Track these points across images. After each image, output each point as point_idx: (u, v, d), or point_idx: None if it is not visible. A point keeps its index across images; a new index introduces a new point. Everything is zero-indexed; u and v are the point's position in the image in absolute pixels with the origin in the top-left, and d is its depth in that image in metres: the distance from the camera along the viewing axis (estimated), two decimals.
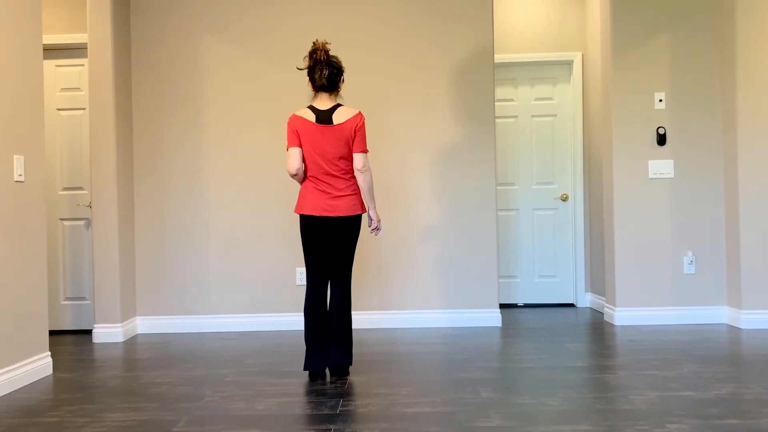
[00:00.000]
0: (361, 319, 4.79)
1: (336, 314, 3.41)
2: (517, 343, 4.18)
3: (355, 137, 3.32)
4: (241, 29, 4.81)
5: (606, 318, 4.94)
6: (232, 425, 2.66)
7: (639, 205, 4.73)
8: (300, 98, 4.80)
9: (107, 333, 4.52)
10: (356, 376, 3.41)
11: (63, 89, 4.91)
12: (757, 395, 2.92)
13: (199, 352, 4.11)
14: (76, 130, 4.91)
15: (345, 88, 4.79)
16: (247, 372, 3.55)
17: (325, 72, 3.30)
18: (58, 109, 4.92)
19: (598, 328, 4.64)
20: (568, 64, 5.67)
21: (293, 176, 3.34)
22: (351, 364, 3.44)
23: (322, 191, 3.32)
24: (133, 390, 3.24)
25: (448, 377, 3.35)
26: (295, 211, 3.38)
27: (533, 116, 5.71)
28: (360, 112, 3.42)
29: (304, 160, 3.35)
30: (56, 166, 4.91)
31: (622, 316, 4.72)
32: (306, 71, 3.51)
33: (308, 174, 3.36)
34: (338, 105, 3.35)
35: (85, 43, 4.85)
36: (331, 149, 3.30)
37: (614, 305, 4.77)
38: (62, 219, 4.91)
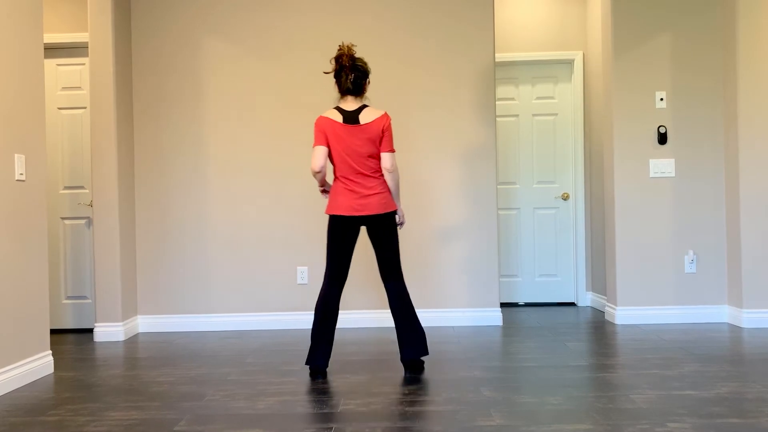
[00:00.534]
0: (360, 318, 4.79)
1: (400, 310, 3.43)
2: (518, 342, 4.18)
3: (382, 137, 3.40)
4: (242, 28, 4.81)
5: (607, 317, 4.94)
6: (234, 424, 2.66)
7: (640, 204, 4.72)
8: (300, 98, 4.80)
9: (108, 332, 4.52)
10: (356, 375, 3.41)
11: (64, 88, 4.91)
12: (758, 394, 2.92)
13: (200, 351, 4.11)
14: (77, 129, 4.91)
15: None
16: (248, 371, 3.55)
17: (350, 76, 3.40)
18: (59, 108, 4.92)
19: (599, 327, 4.64)
20: (569, 63, 5.67)
21: (316, 173, 3.40)
22: (427, 353, 3.47)
23: (352, 191, 3.39)
24: (135, 389, 3.24)
25: (449, 376, 3.35)
26: (326, 211, 3.44)
27: (534, 115, 5.71)
28: (386, 113, 3.53)
29: (331, 161, 3.44)
30: (57, 165, 4.91)
31: (623, 315, 4.72)
32: (332, 74, 3.59)
33: (338, 174, 3.44)
34: (364, 106, 3.43)
35: (86, 43, 4.85)
36: (359, 148, 3.37)
37: (615, 304, 4.77)
38: (63, 218, 4.92)
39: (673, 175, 4.72)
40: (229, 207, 4.81)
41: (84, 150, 4.91)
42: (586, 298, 5.65)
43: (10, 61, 3.36)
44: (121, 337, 4.52)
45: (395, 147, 4.77)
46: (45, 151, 3.68)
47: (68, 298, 4.92)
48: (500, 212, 5.71)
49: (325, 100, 4.79)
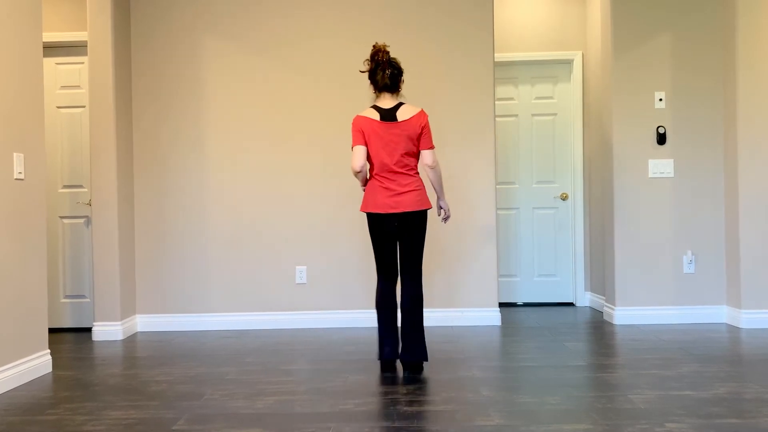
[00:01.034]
0: (358, 318, 4.79)
1: (407, 309, 3.46)
2: (517, 342, 4.18)
3: (421, 134, 3.45)
4: (241, 26, 4.80)
5: (606, 317, 4.94)
6: (232, 423, 2.66)
7: (639, 205, 4.73)
8: (301, 97, 4.80)
9: (107, 331, 4.51)
10: (356, 375, 3.41)
11: (63, 87, 4.91)
12: (756, 394, 2.92)
13: (198, 350, 4.11)
14: (76, 128, 4.91)
15: (344, 87, 4.79)
16: (247, 370, 3.55)
17: (387, 72, 3.45)
18: (58, 107, 4.91)
19: (598, 327, 4.65)
20: (569, 63, 5.67)
21: (357, 173, 3.46)
22: (426, 360, 3.47)
23: (387, 188, 3.43)
24: (133, 388, 3.23)
25: (448, 376, 3.35)
26: (361, 209, 3.51)
27: (533, 115, 5.71)
28: (423, 110, 3.63)
29: (369, 159, 3.48)
30: (56, 163, 4.91)
31: (621, 315, 4.72)
32: (367, 74, 3.67)
33: (374, 172, 3.49)
34: (401, 103, 3.47)
35: (86, 41, 4.85)
36: (396, 146, 3.42)
37: (614, 304, 4.77)
38: (62, 217, 4.91)
39: (672, 175, 4.72)
40: (229, 206, 4.81)
41: (83, 149, 4.91)
42: (585, 298, 5.65)
43: (10, 60, 3.35)
44: (120, 337, 4.52)
45: None
46: (44, 149, 3.67)
47: (67, 297, 4.91)
48: (499, 212, 5.71)
49: (326, 99, 4.79)
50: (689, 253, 4.71)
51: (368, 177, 3.57)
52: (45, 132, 4.87)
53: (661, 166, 4.71)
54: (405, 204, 3.42)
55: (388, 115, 3.43)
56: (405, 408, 2.82)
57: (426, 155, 3.46)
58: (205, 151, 4.81)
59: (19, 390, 3.25)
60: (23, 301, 3.43)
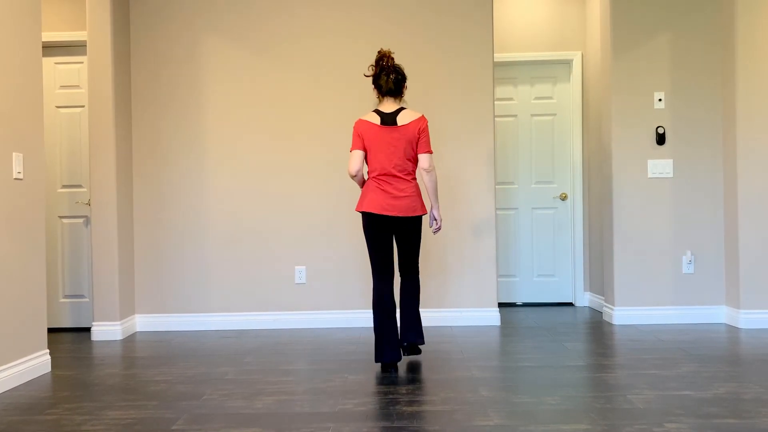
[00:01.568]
0: (358, 318, 4.79)
1: (407, 302, 3.62)
2: (516, 342, 4.18)
3: (419, 139, 3.50)
4: (241, 25, 4.80)
5: (605, 317, 4.94)
6: (231, 423, 2.66)
7: (638, 205, 4.73)
8: (301, 96, 4.80)
9: (106, 331, 4.51)
10: (355, 375, 3.41)
11: (62, 87, 4.91)
12: (755, 395, 2.93)
13: (198, 350, 4.10)
14: (76, 128, 4.91)
15: (344, 86, 4.79)
16: (246, 370, 3.55)
17: (391, 77, 3.53)
18: (58, 107, 4.91)
19: (597, 327, 4.65)
20: (568, 63, 5.67)
21: (353, 177, 3.53)
22: (423, 343, 3.66)
23: (384, 190, 3.48)
24: (132, 388, 3.23)
25: (447, 376, 3.35)
26: (357, 208, 3.55)
27: (533, 115, 5.71)
28: (423, 115, 3.69)
29: (367, 163, 3.55)
30: (55, 163, 4.91)
31: (620, 315, 4.72)
32: (371, 78, 3.75)
33: (372, 175, 3.53)
34: (402, 108, 3.53)
35: (85, 41, 4.85)
36: (396, 150, 3.48)
37: (613, 304, 4.77)
38: (61, 217, 4.91)
39: (671, 175, 4.72)
40: (228, 206, 4.81)
41: (82, 148, 4.90)
42: (584, 299, 5.65)
43: (9, 60, 3.35)
44: (119, 336, 4.52)
45: None
46: (43, 149, 3.67)
47: (66, 296, 4.91)
48: (498, 212, 5.71)
49: (326, 99, 4.79)
50: (688, 253, 4.71)
51: (366, 179, 3.62)
52: (44, 132, 4.88)
53: (660, 166, 4.72)
54: (399, 209, 3.47)
55: (389, 119, 3.49)
56: (404, 408, 2.82)
57: (423, 159, 3.52)
58: (204, 151, 4.81)
59: (18, 390, 3.25)
60: (22, 301, 3.43)
